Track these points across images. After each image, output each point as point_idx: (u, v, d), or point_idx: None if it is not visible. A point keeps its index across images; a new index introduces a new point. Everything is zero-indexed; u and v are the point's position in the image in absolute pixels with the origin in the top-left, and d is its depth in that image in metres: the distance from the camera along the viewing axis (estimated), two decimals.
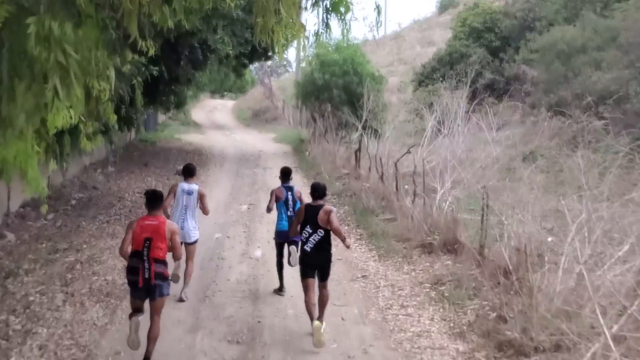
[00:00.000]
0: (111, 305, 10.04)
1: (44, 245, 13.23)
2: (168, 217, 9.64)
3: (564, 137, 26.67)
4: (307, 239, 8.71)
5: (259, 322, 9.58)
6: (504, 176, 20.90)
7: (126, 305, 10.00)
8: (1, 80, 5.74)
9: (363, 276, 11.82)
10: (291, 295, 10.63)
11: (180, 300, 10.27)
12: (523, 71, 32.89)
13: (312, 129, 32.24)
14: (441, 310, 9.81)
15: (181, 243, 8.52)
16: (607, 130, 23.98)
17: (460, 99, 28.86)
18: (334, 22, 10.32)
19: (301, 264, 8.95)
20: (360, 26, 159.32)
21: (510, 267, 9.50)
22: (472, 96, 29.70)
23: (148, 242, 7.51)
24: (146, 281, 7.51)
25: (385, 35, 67.57)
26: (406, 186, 18.47)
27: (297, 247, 9.59)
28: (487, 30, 35.93)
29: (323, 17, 10.11)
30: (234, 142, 37.11)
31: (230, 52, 17.98)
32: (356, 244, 14.44)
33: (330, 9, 8.31)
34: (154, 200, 7.91)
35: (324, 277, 8.87)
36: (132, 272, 7.64)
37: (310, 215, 8.74)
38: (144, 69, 14.06)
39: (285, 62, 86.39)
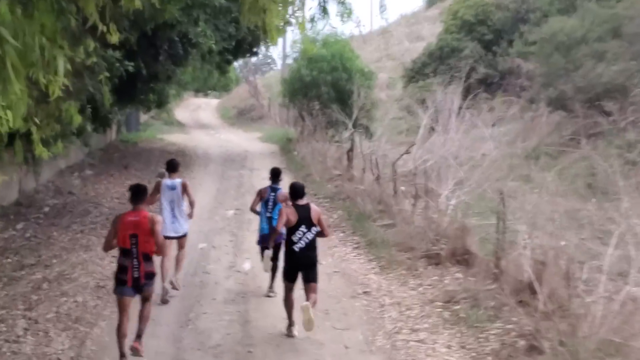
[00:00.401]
0: (80, 334, 8.75)
1: (9, 260, 11.91)
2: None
3: (563, 132, 25.63)
4: (299, 238, 8.49)
5: (249, 352, 8.34)
6: (510, 176, 19.86)
7: (97, 333, 8.80)
8: None
9: (365, 292, 10.58)
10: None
11: (174, 288, 10.21)
12: (518, 65, 31.93)
13: (300, 127, 31.00)
14: (458, 335, 8.56)
15: (172, 238, 9.54)
16: (611, 125, 23.05)
17: (454, 95, 27.83)
18: (332, 5, 9.21)
19: (287, 264, 8.72)
20: (346, 22, 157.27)
21: (536, 284, 8.30)
22: (466, 91, 28.63)
23: (135, 239, 7.41)
24: (135, 280, 7.47)
25: (371, 31, 66.47)
26: (402, 188, 17.33)
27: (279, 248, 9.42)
28: (479, 23, 34.89)
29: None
30: (219, 141, 35.82)
31: (214, 46, 16.67)
32: (353, 254, 13.25)
33: None
34: (137, 194, 7.77)
35: (310, 278, 8.65)
36: (120, 270, 7.56)
37: (304, 215, 8.55)
38: (118, 64, 12.80)
39: (269, 60, 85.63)
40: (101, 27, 5.72)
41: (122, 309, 7.58)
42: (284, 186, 10.37)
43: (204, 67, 34.41)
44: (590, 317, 7.17)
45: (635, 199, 9.89)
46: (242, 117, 52.41)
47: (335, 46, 30.42)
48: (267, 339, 8.77)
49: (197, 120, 50.88)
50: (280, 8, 6.37)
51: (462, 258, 11.18)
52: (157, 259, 8.28)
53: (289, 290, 8.72)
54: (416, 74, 37.21)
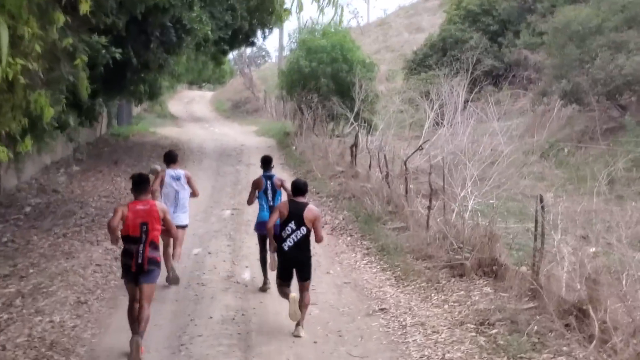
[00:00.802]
0: None
1: None
2: None
3: (575, 127, 24.42)
4: (287, 236, 8.36)
5: None
6: (524, 174, 18.66)
7: None
8: None
9: (382, 309, 9.30)
10: (293, 342, 8.16)
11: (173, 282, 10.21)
12: (525, 56, 30.68)
13: (299, 121, 29.70)
14: None
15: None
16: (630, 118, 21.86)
17: (459, 87, 26.65)
18: None
19: (279, 264, 8.65)
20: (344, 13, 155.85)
21: (589, 306, 7.08)
22: (471, 84, 27.44)
23: (145, 227, 7.46)
24: (139, 266, 7.48)
25: (369, 23, 65.21)
26: (410, 186, 16.12)
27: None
28: (484, 13, 33.62)
29: None
30: (214, 135, 34.55)
31: (210, 33, 15.38)
32: (364, 261, 12.00)
33: None
34: (140, 183, 7.72)
35: (303, 276, 8.54)
36: (126, 255, 7.60)
37: (295, 212, 8.37)
38: (103, 50, 11.48)
39: (263, 53, 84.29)
40: None
41: (130, 295, 7.75)
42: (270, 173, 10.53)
43: (199, 57, 33.20)
44: None
45: None
46: (237, 110, 51.13)
47: (335, 37, 29.14)
48: None
49: (191, 113, 49.56)
50: None
51: (490, 269, 9.93)
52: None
53: (284, 290, 8.56)
54: (417, 65, 35.95)
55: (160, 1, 12.47)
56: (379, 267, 11.54)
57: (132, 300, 7.69)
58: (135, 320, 7.52)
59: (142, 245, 7.47)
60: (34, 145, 12.19)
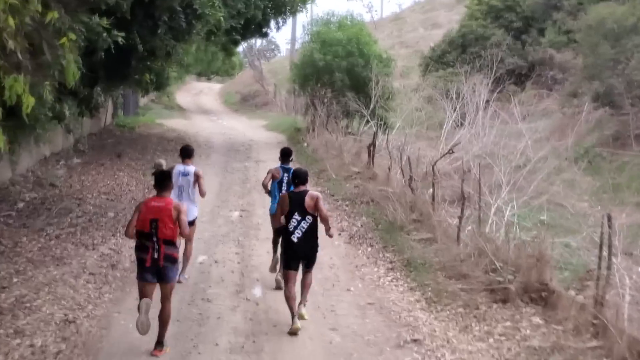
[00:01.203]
0: None
1: None
2: None
3: (605, 131, 23.08)
4: (295, 227, 8.28)
5: None
6: (556, 182, 17.40)
7: None
8: None
9: (414, 340, 8.01)
10: None
11: (179, 281, 9.27)
12: (550, 55, 29.37)
13: (311, 116, 28.43)
14: None
15: None
16: None
17: (482, 86, 25.46)
18: None
19: (286, 255, 8.54)
20: (357, 7, 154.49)
21: None
22: (493, 83, 26.21)
23: (155, 224, 7.33)
24: (154, 261, 7.34)
25: (382, 18, 63.87)
26: (429, 190, 14.90)
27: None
28: (507, 9, 32.27)
29: None
30: (222, 128, 33.35)
31: (222, 19, 14.12)
32: (389, 278, 10.73)
33: None
34: (162, 180, 7.67)
35: (309, 264, 8.60)
36: (140, 249, 7.44)
37: (296, 202, 8.31)
38: (105, 34, 10.23)
39: (273, 46, 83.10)
40: None
41: (142, 295, 7.42)
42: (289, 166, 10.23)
43: (209, 47, 32.00)
44: None
45: None
46: (246, 103, 49.92)
47: (352, 29, 27.90)
48: None
49: (199, 105, 48.41)
50: None
51: (539, 295, 8.67)
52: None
53: (289, 281, 8.40)
54: (435, 62, 34.59)
55: None
56: (406, 285, 10.27)
57: (143, 296, 7.41)
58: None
59: (156, 242, 7.31)
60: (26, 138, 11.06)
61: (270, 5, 24.40)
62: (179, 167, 10.22)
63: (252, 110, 45.66)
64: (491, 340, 7.86)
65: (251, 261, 11.40)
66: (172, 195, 9.26)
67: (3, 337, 7.43)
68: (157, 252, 7.31)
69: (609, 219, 7.73)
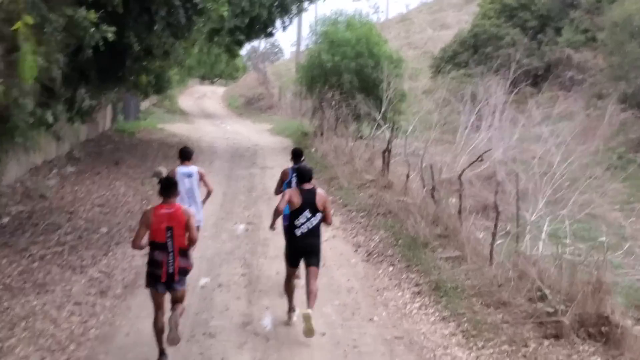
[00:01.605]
0: None
1: None
2: None
3: (630, 134, 21.79)
4: (302, 223, 8.24)
5: None
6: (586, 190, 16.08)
7: None
8: None
9: None
10: None
11: None
12: (568, 55, 28.09)
13: (319, 120, 27.18)
14: None
15: None
16: None
17: (498, 88, 24.27)
18: None
19: (288, 249, 8.53)
20: (363, 8, 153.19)
21: None
22: (510, 84, 24.98)
23: (170, 232, 7.09)
24: (170, 276, 7.13)
25: (388, 19, 62.65)
26: (452, 200, 13.66)
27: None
28: (521, 7, 31.03)
29: None
30: (225, 133, 32.12)
31: (225, 14, 12.87)
32: (416, 304, 9.43)
33: None
34: (168, 187, 7.42)
35: (311, 262, 8.35)
36: (154, 265, 7.15)
37: (308, 200, 8.25)
38: (93, 29, 9.01)
39: (276, 49, 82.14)
40: None
41: (156, 304, 7.28)
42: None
43: (212, 49, 30.82)
44: None
45: None
46: (250, 106, 48.72)
47: (361, 29, 26.64)
48: None
49: (202, 108, 47.24)
50: None
51: (598, 330, 7.38)
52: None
53: (290, 275, 8.54)
54: (446, 63, 33.35)
55: None
56: (437, 314, 8.97)
57: (158, 310, 7.25)
58: (161, 331, 7.17)
59: (171, 254, 7.10)
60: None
61: (276, 4, 23.26)
62: (181, 169, 10.01)
63: (256, 114, 44.49)
64: None
65: (259, 284, 10.13)
66: (180, 200, 8.81)
67: None
68: (172, 265, 7.11)
69: None
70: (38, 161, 17.45)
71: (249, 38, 25.76)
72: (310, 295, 8.12)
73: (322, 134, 25.41)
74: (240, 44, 25.78)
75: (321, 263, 8.56)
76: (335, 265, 11.29)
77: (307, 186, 8.35)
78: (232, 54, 28.56)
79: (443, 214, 12.53)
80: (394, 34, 53.57)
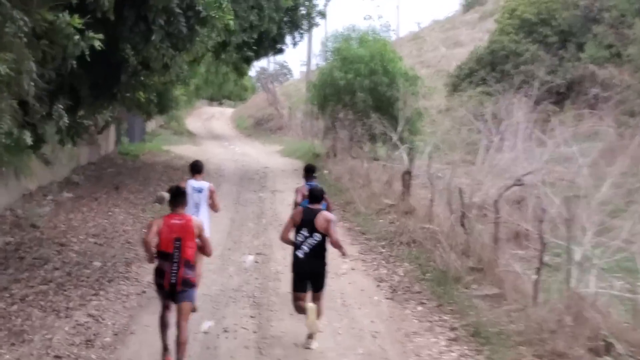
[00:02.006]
0: None
1: None
2: None
3: None
4: (301, 243, 8.17)
5: None
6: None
7: None
8: None
9: None
10: None
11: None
12: (592, 72, 26.79)
13: (332, 140, 25.94)
14: None
15: None
16: None
17: (521, 105, 23.01)
18: None
19: (293, 272, 8.31)
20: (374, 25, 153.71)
21: None
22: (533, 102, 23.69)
23: (178, 243, 7.05)
24: (172, 286, 7.04)
25: (399, 37, 61.57)
26: (480, 226, 12.32)
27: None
28: (541, 22, 29.76)
29: None
30: (234, 155, 31.07)
31: (231, 22, 11.62)
32: (454, 353, 7.97)
33: None
34: (178, 197, 7.40)
35: (317, 287, 8.27)
36: (159, 274, 7.12)
37: (307, 218, 8.21)
38: (77, 36, 7.76)
39: (285, 70, 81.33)
40: None
41: (163, 304, 7.25)
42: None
43: (219, 68, 29.71)
44: None
45: None
46: (259, 127, 47.68)
47: (375, 45, 25.45)
48: None
49: (210, 130, 46.22)
50: None
51: None
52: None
53: (298, 302, 8.25)
54: (462, 81, 32.11)
55: None
56: None
57: (165, 309, 7.26)
58: (165, 327, 7.23)
59: (175, 264, 7.03)
60: None
61: (285, 20, 22.11)
62: (192, 183, 9.95)
63: (266, 135, 43.48)
64: None
65: (270, 329, 8.80)
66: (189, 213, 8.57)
67: None
68: (174, 275, 7.01)
69: None
70: (32, 187, 16.26)
71: (258, 55, 24.55)
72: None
73: (335, 155, 24.21)
74: (248, 61, 24.57)
75: (325, 287, 8.44)
76: (357, 304, 9.97)
77: (315, 206, 8.39)
78: (240, 72, 27.37)
79: (475, 243, 11.17)
80: (405, 52, 52.39)
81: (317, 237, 8.12)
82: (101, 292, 9.75)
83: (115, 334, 8.28)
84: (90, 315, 8.79)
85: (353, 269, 11.93)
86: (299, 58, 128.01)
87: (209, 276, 11.05)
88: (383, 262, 12.34)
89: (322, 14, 24.78)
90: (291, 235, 8.40)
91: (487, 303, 9.43)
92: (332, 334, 8.66)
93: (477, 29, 47.69)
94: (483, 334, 8.34)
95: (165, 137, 35.95)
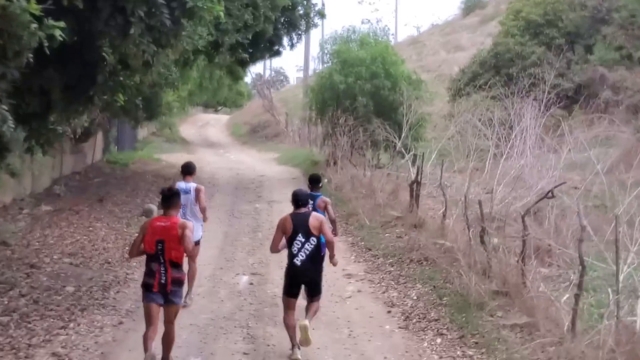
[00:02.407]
0: None
1: None
2: None
3: None
4: (298, 250, 7.89)
5: None
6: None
7: None
8: None
9: None
10: None
11: (184, 306, 8.42)
12: (601, 75, 25.61)
13: (331, 147, 24.72)
14: None
15: None
16: None
17: (530, 109, 21.85)
18: None
19: (288, 279, 8.07)
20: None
21: None
22: (540, 106, 22.52)
23: (161, 245, 7.00)
24: (162, 286, 7.00)
25: (397, 42, 60.46)
26: (495, 240, 11.06)
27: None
28: (548, 24, 28.51)
29: None
30: (229, 163, 29.94)
31: (222, 14, 10.37)
32: None
33: None
34: (168, 198, 7.31)
35: (313, 292, 8.18)
36: (148, 274, 7.08)
37: (299, 223, 7.94)
38: (34, 25, 6.51)
39: (282, 77, 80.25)
40: None
41: (149, 319, 6.99)
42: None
43: (213, 72, 28.44)
44: None
45: None
46: (255, 134, 46.52)
47: (376, 48, 24.31)
48: None
49: (204, 137, 45.09)
50: None
51: None
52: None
53: (288, 308, 7.98)
54: (465, 86, 30.91)
55: None
56: None
57: (150, 326, 6.92)
58: (150, 339, 6.84)
59: (163, 265, 6.97)
60: None
61: (282, 20, 20.89)
62: (180, 185, 9.87)
63: (261, 142, 42.35)
64: None
65: None
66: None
67: None
68: (164, 276, 6.97)
69: None
70: (6, 200, 14.99)
71: (254, 58, 23.26)
72: (309, 311, 8.06)
73: (335, 163, 22.99)
74: (243, 64, 23.32)
75: (322, 295, 8.35)
76: (366, 334, 8.70)
77: (301, 210, 8.15)
78: (235, 76, 26.15)
79: (499, 263, 9.89)
80: (405, 56, 51.05)
81: (314, 240, 7.93)
82: (71, 325, 8.45)
83: None
84: (54, 355, 7.47)
85: (359, 291, 10.69)
86: (296, 63, 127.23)
87: (198, 301, 9.84)
88: (392, 282, 11.06)
89: (321, 14, 23.65)
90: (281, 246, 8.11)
91: (516, 334, 8.15)
92: None
93: (478, 32, 46.62)
94: None
95: (157, 145, 34.79)
